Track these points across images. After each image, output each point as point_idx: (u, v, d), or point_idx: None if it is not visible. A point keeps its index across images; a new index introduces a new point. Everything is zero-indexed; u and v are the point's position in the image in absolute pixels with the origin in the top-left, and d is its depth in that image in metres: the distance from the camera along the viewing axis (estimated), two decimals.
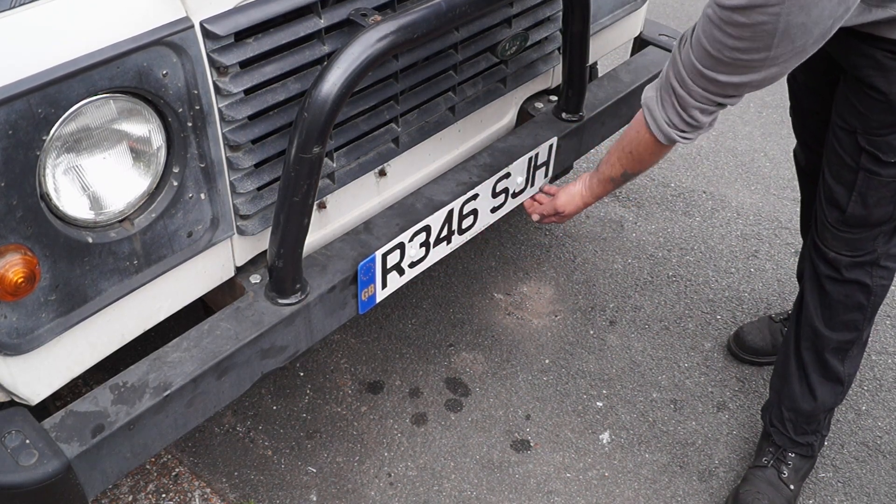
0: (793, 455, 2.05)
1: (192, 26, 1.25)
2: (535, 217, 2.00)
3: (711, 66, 1.38)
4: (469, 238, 1.88)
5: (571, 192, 1.88)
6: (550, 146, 1.96)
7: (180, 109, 1.28)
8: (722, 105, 1.47)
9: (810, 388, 1.96)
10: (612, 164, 1.74)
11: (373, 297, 1.69)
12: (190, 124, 1.31)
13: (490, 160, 1.90)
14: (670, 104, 1.51)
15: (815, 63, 1.84)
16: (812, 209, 1.93)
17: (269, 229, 1.49)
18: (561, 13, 1.89)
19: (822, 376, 1.95)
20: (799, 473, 2.06)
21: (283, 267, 1.48)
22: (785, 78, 2.05)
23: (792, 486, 2.03)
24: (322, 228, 1.72)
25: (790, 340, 2.00)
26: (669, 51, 2.37)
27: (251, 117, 1.41)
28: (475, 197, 1.81)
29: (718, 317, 2.59)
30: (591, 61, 2.00)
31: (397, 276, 1.73)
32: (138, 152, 1.29)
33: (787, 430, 2.03)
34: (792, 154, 2.25)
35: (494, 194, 1.87)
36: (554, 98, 2.14)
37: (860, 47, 1.55)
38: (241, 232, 1.52)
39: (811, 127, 2.03)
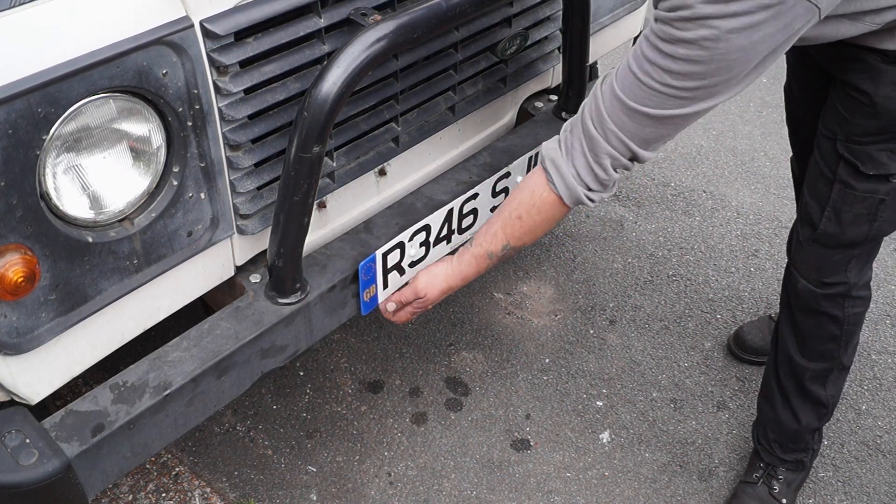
0: (783, 469, 2.04)
1: (192, 26, 1.25)
2: (390, 307, 1.70)
3: (638, 96, 1.28)
4: (469, 237, 1.88)
5: (434, 273, 1.65)
6: None
7: (180, 109, 1.28)
8: (634, 158, 1.37)
9: (793, 412, 1.94)
10: (494, 234, 1.55)
11: (374, 297, 1.69)
12: (190, 124, 1.31)
13: (490, 159, 1.90)
14: (581, 153, 1.39)
15: (811, 75, 1.78)
16: None
17: (269, 229, 1.49)
18: (561, 12, 1.89)
19: (804, 400, 1.93)
20: (791, 486, 2.04)
21: (283, 266, 1.48)
22: (782, 87, 2.04)
23: (784, 500, 2.02)
24: (322, 228, 1.72)
25: (770, 365, 1.98)
26: None
27: (251, 117, 1.41)
28: (475, 196, 1.81)
29: (718, 316, 2.59)
30: (591, 61, 2.00)
31: (397, 275, 1.72)
32: (138, 152, 1.29)
33: (773, 450, 2.02)
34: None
35: (494, 194, 1.87)
36: (554, 97, 2.14)
37: (852, 52, 1.50)
38: (240, 231, 1.52)
39: (805, 137, 2.00)
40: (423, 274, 1.66)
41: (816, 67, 1.70)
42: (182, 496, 2.06)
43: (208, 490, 2.07)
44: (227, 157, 1.41)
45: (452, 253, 1.69)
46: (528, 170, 1.93)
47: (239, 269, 1.59)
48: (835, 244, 1.69)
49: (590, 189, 1.43)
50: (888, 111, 1.49)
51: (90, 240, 1.27)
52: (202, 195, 1.40)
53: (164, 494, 2.06)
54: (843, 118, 1.56)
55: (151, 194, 1.34)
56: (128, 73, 1.19)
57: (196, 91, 1.29)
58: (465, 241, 1.64)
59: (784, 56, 1.39)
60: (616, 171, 1.40)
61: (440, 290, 1.65)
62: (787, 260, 1.89)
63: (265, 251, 1.59)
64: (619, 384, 2.37)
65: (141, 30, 1.19)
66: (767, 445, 2.03)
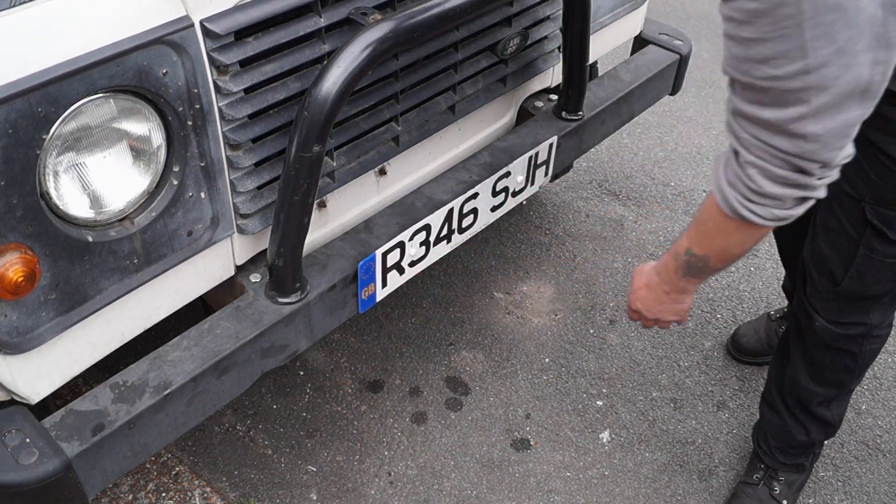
0: (784, 471, 2.03)
1: (192, 25, 1.25)
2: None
3: (748, 96, 1.10)
4: (469, 237, 1.88)
5: (644, 265, 1.53)
6: (550, 145, 1.96)
7: (180, 108, 1.28)
8: (803, 171, 1.11)
9: (799, 425, 1.93)
10: (682, 234, 1.37)
11: (373, 295, 1.69)
12: (190, 123, 1.31)
13: (490, 159, 1.90)
14: (734, 159, 1.18)
15: None
16: (791, 248, 1.82)
17: (270, 228, 1.49)
18: (561, 12, 1.89)
19: (812, 419, 1.92)
20: (792, 487, 2.04)
21: (284, 266, 1.48)
22: None
23: (785, 502, 2.02)
24: (322, 227, 1.72)
25: (774, 380, 1.95)
26: (670, 50, 2.36)
27: (251, 116, 1.41)
28: (475, 196, 1.81)
29: (718, 315, 2.59)
30: (591, 60, 2.00)
31: (397, 274, 1.72)
32: (138, 151, 1.29)
33: (774, 455, 2.01)
34: None
35: (494, 193, 1.87)
36: (554, 97, 2.14)
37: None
38: (241, 231, 1.52)
39: None
40: (642, 263, 1.54)
41: None
42: (182, 496, 2.06)
43: (208, 489, 2.07)
44: (227, 157, 1.41)
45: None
46: (529, 169, 1.93)
47: (239, 268, 1.59)
48: (858, 297, 1.63)
49: (747, 200, 1.18)
50: None
51: (90, 239, 1.27)
52: (202, 194, 1.40)
53: (164, 494, 2.06)
54: (869, 180, 1.41)
55: (152, 194, 1.34)
56: (128, 73, 1.19)
57: (196, 90, 1.29)
58: None
59: None
60: (774, 186, 1.14)
61: (641, 278, 1.52)
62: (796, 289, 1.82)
63: (265, 251, 1.59)
64: (619, 384, 2.37)
65: (141, 29, 1.19)
66: (768, 450, 2.02)
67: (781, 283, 2.31)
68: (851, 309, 1.67)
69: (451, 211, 1.77)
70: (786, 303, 2.59)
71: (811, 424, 1.92)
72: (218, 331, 1.46)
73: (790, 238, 2.07)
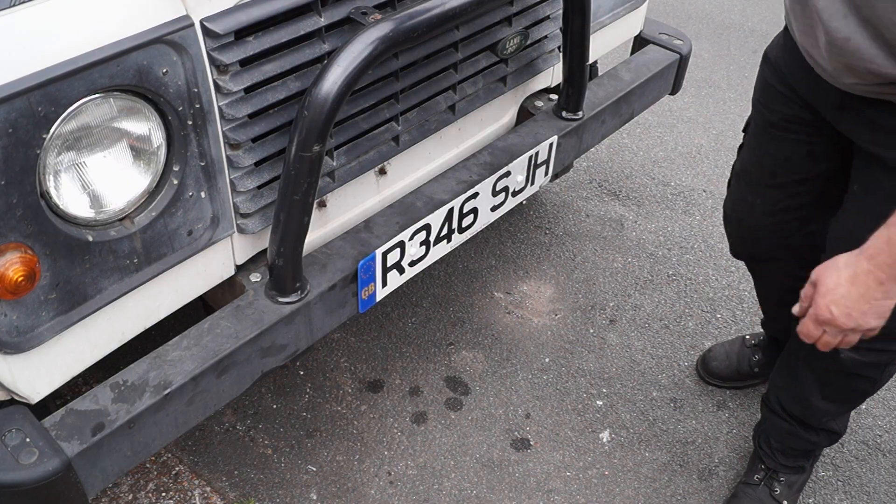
0: (785, 472, 2.03)
1: (192, 24, 1.25)
2: (795, 309, 1.37)
3: None
4: (469, 237, 1.88)
5: (836, 260, 1.26)
6: (551, 145, 1.95)
7: (180, 108, 1.28)
8: None
9: (806, 432, 1.93)
10: None
11: (373, 295, 1.69)
12: (190, 122, 1.31)
13: (490, 159, 1.90)
14: None
15: (813, 139, 1.59)
16: (773, 301, 1.79)
17: (270, 228, 1.49)
18: (561, 11, 1.89)
19: (817, 430, 1.92)
20: (793, 488, 2.03)
21: (284, 265, 1.48)
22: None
23: (785, 502, 2.02)
24: (322, 227, 1.72)
25: (776, 396, 1.94)
26: (670, 49, 2.36)
27: (251, 115, 1.41)
28: (475, 195, 1.81)
29: (718, 315, 2.59)
30: (591, 60, 2.00)
31: (397, 274, 1.72)
32: (138, 150, 1.29)
33: (775, 456, 2.01)
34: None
35: (494, 193, 1.87)
36: (554, 97, 2.14)
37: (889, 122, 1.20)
38: (241, 230, 1.52)
39: (761, 224, 1.83)
40: (829, 261, 1.28)
41: (814, 128, 1.49)
42: (182, 495, 2.06)
43: (208, 489, 2.07)
44: (227, 156, 1.41)
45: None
46: (529, 169, 1.93)
47: (239, 268, 1.59)
48: (891, 333, 1.55)
49: None
50: None
51: (90, 239, 1.27)
52: (202, 194, 1.40)
53: (163, 493, 2.06)
54: None
55: (152, 193, 1.34)
56: (128, 72, 1.19)
57: (196, 90, 1.29)
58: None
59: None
60: None
61: (836, 274, 1.24)
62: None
63: (265, 250, 1.59)
64: (619, 383, 2.37)
65: (141, 28, 1.19)
66: (769, 451, 2.02)
67: (761, 321, 2.29)
68: (882, 339, 1.59)
69: (451, 211, 1.77)
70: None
71: (817, 433, 1.93)
72: (218, 330, 1.46)
73: (774, 291, 2.06)
